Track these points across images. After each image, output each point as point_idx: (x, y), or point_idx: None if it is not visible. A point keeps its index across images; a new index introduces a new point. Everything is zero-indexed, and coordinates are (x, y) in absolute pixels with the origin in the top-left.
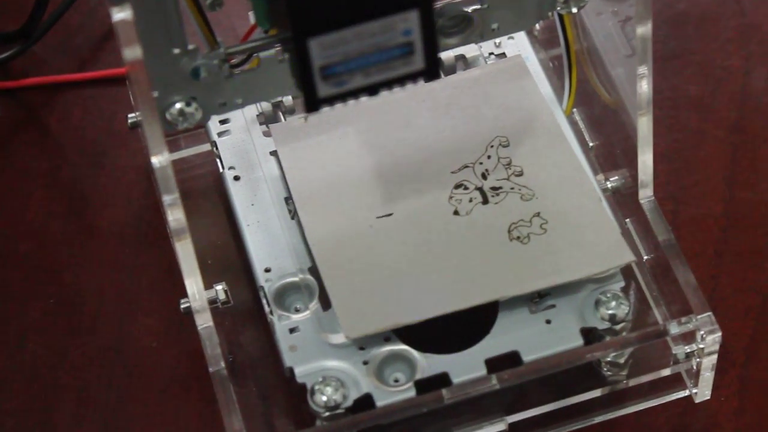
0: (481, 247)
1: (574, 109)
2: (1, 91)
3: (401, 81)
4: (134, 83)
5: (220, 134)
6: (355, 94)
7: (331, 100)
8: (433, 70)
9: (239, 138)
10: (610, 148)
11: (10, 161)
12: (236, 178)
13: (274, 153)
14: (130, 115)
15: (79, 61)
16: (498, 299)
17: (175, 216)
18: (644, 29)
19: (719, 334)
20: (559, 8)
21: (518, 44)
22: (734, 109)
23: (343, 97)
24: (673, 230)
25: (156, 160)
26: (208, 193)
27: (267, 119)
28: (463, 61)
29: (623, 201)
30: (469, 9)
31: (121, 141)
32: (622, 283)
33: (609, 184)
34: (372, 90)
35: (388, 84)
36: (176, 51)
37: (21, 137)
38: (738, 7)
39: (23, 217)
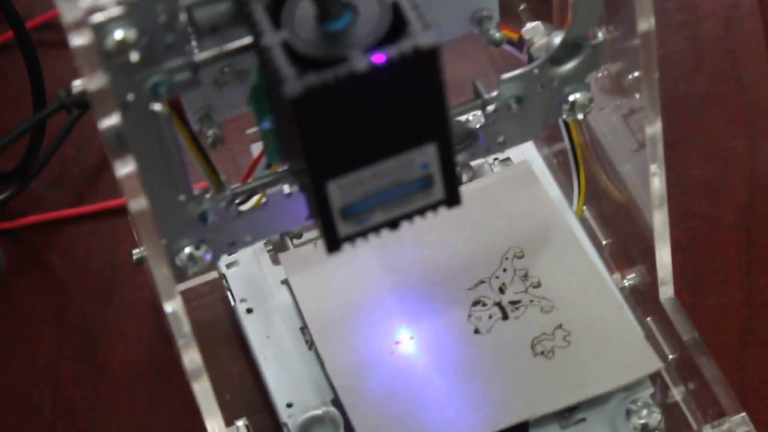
0: (505, 365)
1: (584, 208)
2: (1, 233)
3: (422, 211)
4: (141, 232)
5: (228, 266)
6: (375, 229)
7: (351, 238)
8: (454, 197)
9: (248, 268)
10: (624, 245)
11: (15, 305)
12: (249, 310)
13: (285, 281)
14: (134, 251)
15: (76, 195)
16: (528, 419)
17: (191, 357)
18: (653, 129)
19: None
20: (564, 116)
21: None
22: (744, 191)
23: (363, 234)
24: (694, 322)
25: (168, 306)
26: (219, 323)
27: (275, 247)
28: (468, 168)
29: (642, 298)
30: (476, 125)
31: (127, 275)
32: (652, 390)
33: (626, 282)
34: (393, 224)
35: (408, 216)
36: (182, 197)
37: (24, 279)
38: (738, 86)
39: (34, 363)
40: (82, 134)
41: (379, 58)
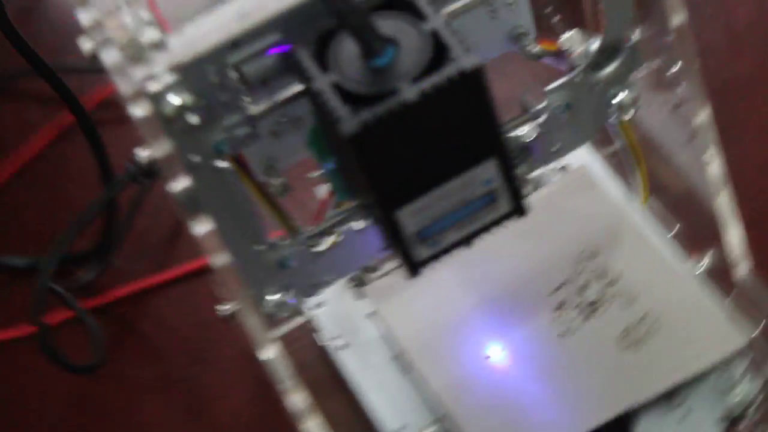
0: (595, 363)
1: (649, 200)
2: (94, 311)
3: (492, 226)
4: (227, 287)
5: (315, 306)
6: (451, 249)
7: (429, 261)
8: (519, 208)
9: (335, 306)
10: (694, 230)
11: (120, 379)
12: (342, 347)
13: (371, 314)
14: (220, 307)
15: (157, 263)
16: (628, 409)
17: (296, 401)
18: (702, 116)
19: None
20: (613, 117)
21: (576, 151)
22: None
23: (440, 256)
24: None
25: (264, 355)
26: (314, 365)
27: (356, 282)
28: (528, 182)
29: (719, 280)
30: (529, 140)
31: (218, 332)
32: (746, 363)
33: (701, 267)
34: (466, 242)
35: (480, 232)
36: (259, 248)
37: (122, 352)
38: None
39: (153, 428)
40: (153, 203)
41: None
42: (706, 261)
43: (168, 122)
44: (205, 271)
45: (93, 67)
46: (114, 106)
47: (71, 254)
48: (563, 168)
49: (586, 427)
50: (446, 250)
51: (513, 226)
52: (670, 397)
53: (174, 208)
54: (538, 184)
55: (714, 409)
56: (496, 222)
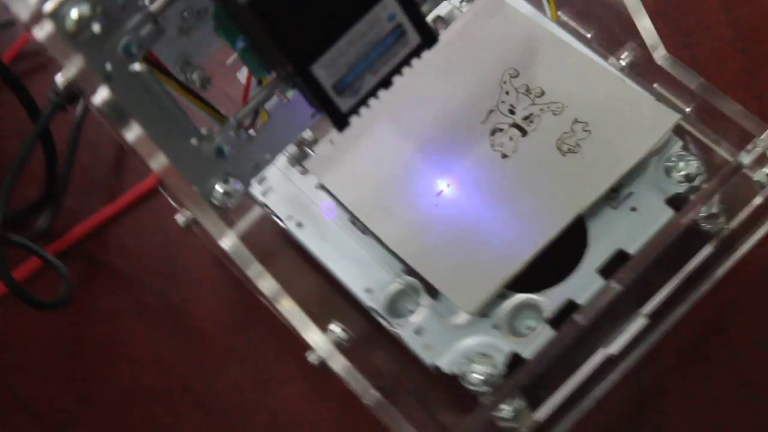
0: (541, 174)
1: (559, 12)
2: (58, 256)
3: (406, 61)
4: (173, 187)
5: (264, 193)
6: (372, 93)
7: (355, 110)
8: (430, 37)
9: (283, 188)
10: (608, 31)
11: (98, 311)
12: (299, 224)
13: (320, 186)
14: (178, 218)
15: (107, 194)
16: (580, 212)
17: (267, 284)
18: None
19: None
20: None
21: None
22: None
23: (363, 102)
24: (699, 71)
25: (225, 244)
26: (279, 250)
27: (297, 159)
28: (442, 21)
29: (642, 70)
30: None
31: (181, 246)
32: (680, 142)
33: (623, 62)
34: (385, 83)
35: (396, 70)
36: (193, 141)
37: (93, 287)
38: None
39: (137, 352)
40: (90, 138)
41: None
42: (625, 55)
43: (73, 37)
44: (155, 192)
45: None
46: (30, 56)
47: (23, 207)
48: None
49: (545, 239)
50: (368, 96)
51: (431, 66)
52: (615, 191)
53: (112, 135)
54: (449, 19)
55: (660, 193)
56: (410, 56)
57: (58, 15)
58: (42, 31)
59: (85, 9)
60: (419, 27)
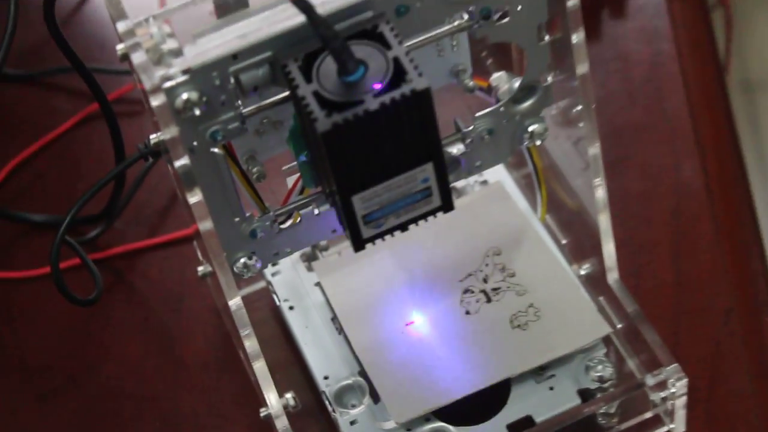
0: (491, 337)
1: (547, 216)
2: (95, 262)
3: (424, 216)
4: (208, 247)
5: (273, 274)
6: (390, 232)
7: (373, 239)
8: (448, 204)
9: (289, 275)
10: (579, 243)
11: (109, 318)
12: (291, 308)
13: (318, 284)
14: (199, 268)
15: (150, 229)
16: (510, 376)
17: (251, 344)
18: (594, 149)
19: (686, 380)
20: (526, 143)
21: (495, 169)
22: (672, 198)
23: (381, 236)
24: (637, 300)
25: (233, 303)
26: (268, 321)
27: (308, 258)
28: (456, 191)
29: (595, 283)
30: (458, 154)
31: (193, 289)
32: (605, 350)
33: (582, 272)
34: (403, 227)
35: (415, 220)
36: (237, 219)
37: (114, 297)
38: (664, 116)
39: (128, 360)
40: (153, 182)
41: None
42: (586, 266)
43: (177, 113)
44: (187, 240)
45: (115, 69)
46: (129, 102)
47: (82, 216)
48: (484, 182)
49: (476, 386)
50: (386, 232)
51: (439, 225)
52: (543, 369)
53: (169, 186)
54: (461, 193)
55: (575, 383)
56: (428, 214)
57: (172, 93)
58: (156, 101)
59: (194, 96)
60: (443, 194)
